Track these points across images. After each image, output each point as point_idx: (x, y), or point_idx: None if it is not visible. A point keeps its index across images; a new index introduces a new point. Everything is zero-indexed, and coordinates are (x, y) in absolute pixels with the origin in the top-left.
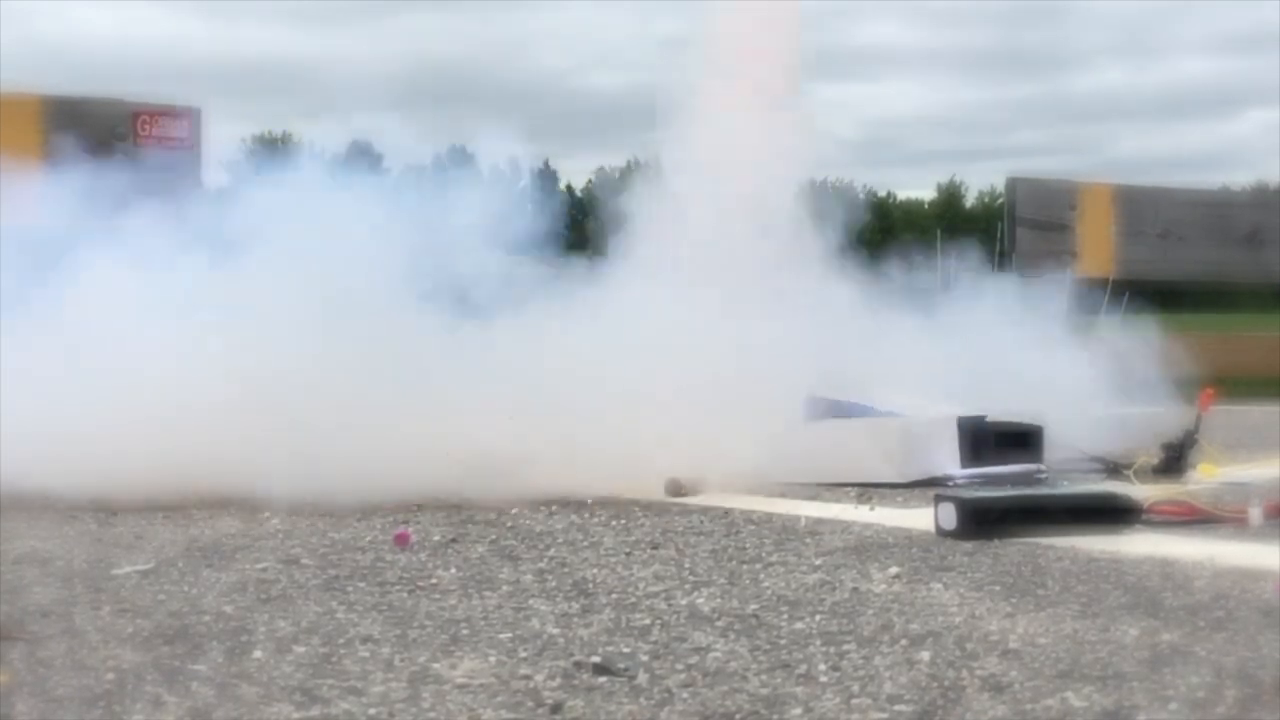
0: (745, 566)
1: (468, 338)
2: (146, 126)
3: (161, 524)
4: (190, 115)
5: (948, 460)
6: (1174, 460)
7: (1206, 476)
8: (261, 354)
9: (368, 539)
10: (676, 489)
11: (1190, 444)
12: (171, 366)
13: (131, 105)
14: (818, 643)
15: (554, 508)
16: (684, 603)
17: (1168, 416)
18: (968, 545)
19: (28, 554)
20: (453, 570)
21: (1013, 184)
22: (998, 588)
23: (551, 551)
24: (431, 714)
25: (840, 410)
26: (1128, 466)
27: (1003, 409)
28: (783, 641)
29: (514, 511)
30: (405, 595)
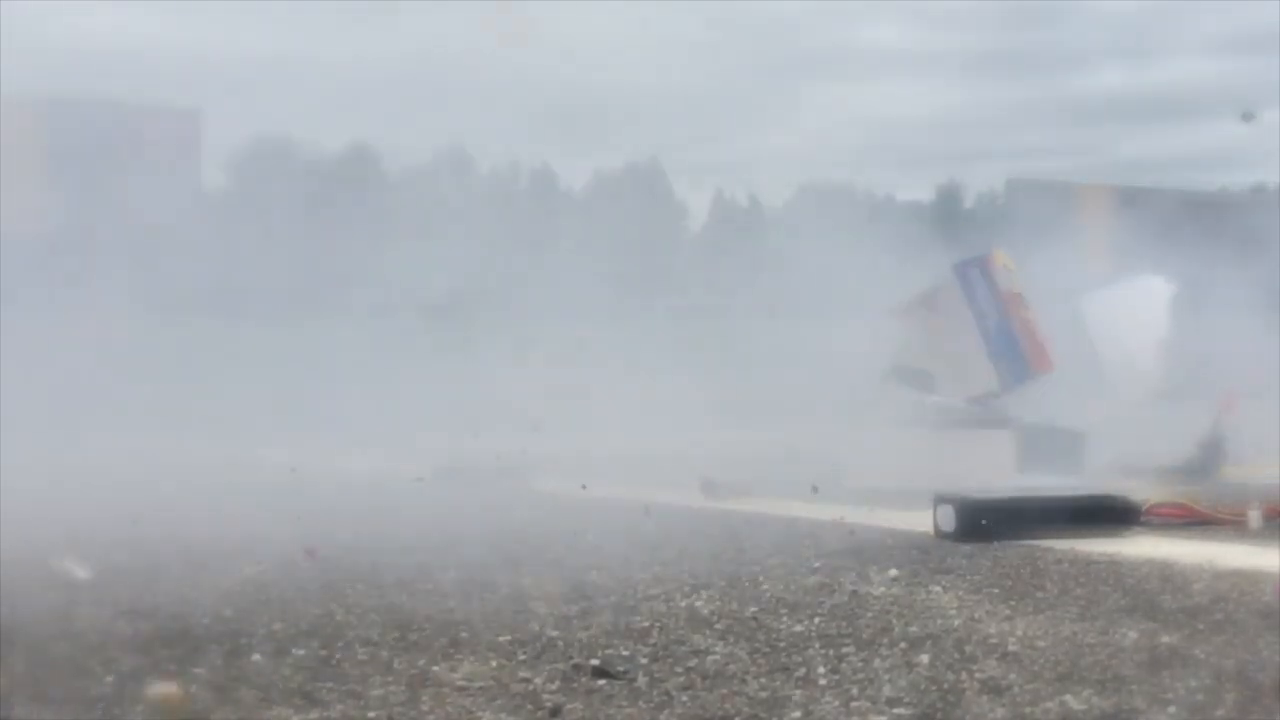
0: (744, 568)
1: None
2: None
3: None
4: (190, 118)
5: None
6: (1205, 461)
7: (1234, 477)
8: None
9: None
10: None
11: (1220, 445)
12: None
13: (130, 107)
14: (817, 645)
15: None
16: (683, 605)
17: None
18: (966, 547)
19: None
20: (451, 573)
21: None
22: (997, 590)
23: (551, 554)
24: (431, 716)
25: None
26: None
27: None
28: (782, 644)
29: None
30: (404, 598)
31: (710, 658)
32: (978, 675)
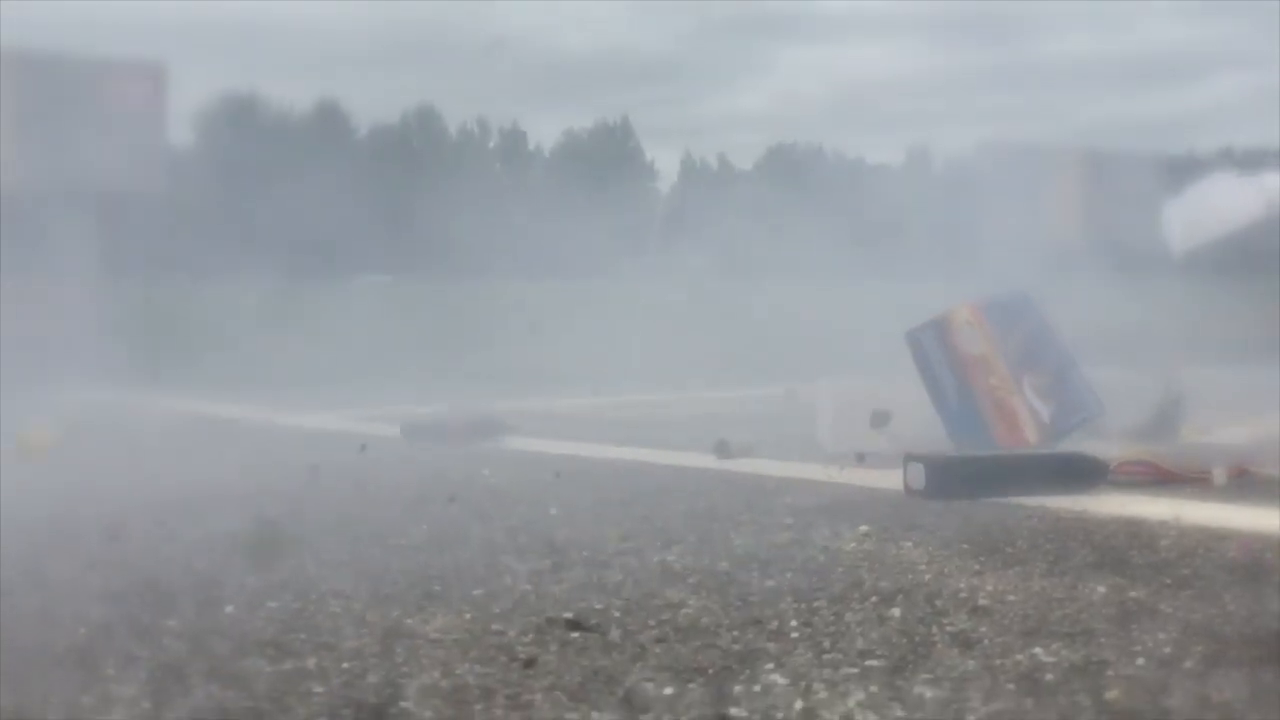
0: (716, 525)
1: None
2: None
3: None
4: (155, 73)
5: None
6: (1165, 421)
7: (1193, 438)
8: None
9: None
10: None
11: (1176, 406)
12: None
13: (94, 62)
14: (789, 599)
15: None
16: (655, 560)
17: (1145, 380)
18: (936, 504)
19: None
20: (424, 528)
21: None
22: (966, 546)
23: (522, 509)
24: (405, 668)
25: None
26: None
27: None
28: (754, 598)
29: (486, 472)
30: (377, 552)
31: (683, 611)
32: (948, 628)
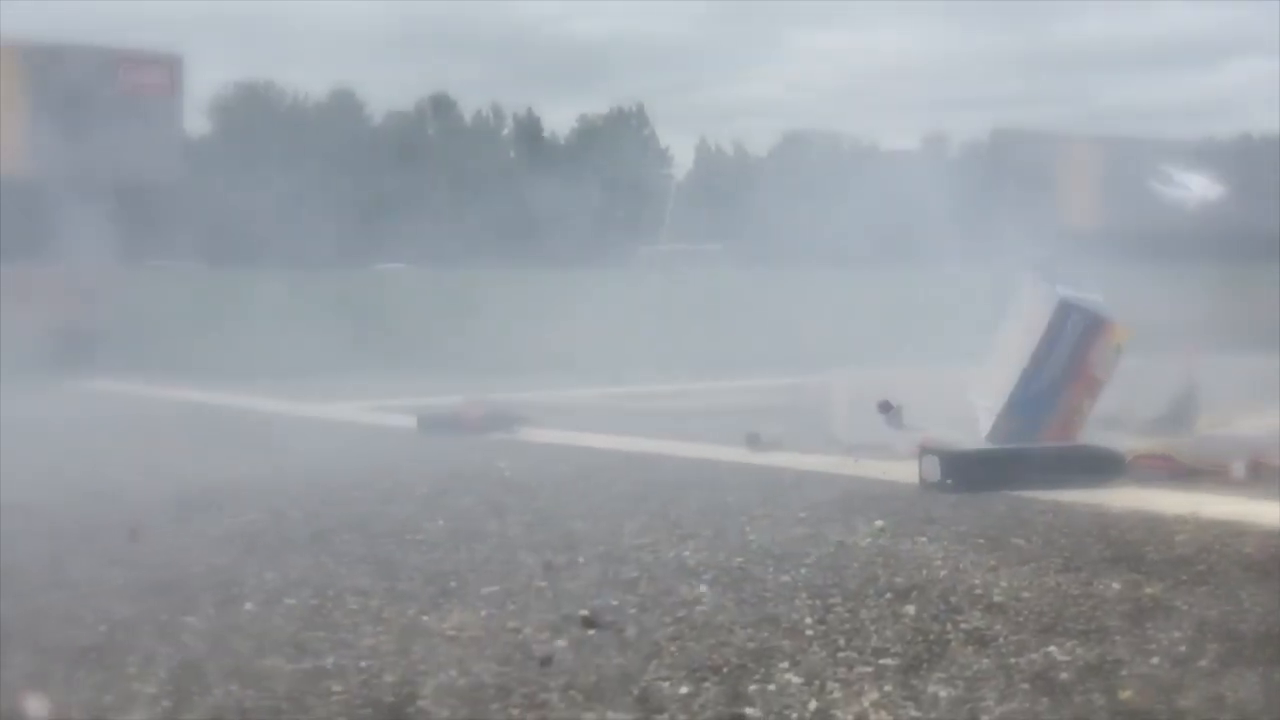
0: (731, 519)
1: None
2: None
3: None
4: (171, 63)
5: None
6: (1181, 413)
7: (1211, 430)
8: None
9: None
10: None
11: (1192, 397)
12: None
13: (112, 52)
14: (804, 596)
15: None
16: (671, 555)
17: (1161, 370)
18: (952, 498)
19: None
20: (440, 522)
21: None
22: (982, 541)
23: (538, 504)
24: (421, 666)
25: None
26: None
27: None
28: (769, 595)
29: (502, 465)
30: (394, 547)
31: (698, 608)
32: (963, 626)
